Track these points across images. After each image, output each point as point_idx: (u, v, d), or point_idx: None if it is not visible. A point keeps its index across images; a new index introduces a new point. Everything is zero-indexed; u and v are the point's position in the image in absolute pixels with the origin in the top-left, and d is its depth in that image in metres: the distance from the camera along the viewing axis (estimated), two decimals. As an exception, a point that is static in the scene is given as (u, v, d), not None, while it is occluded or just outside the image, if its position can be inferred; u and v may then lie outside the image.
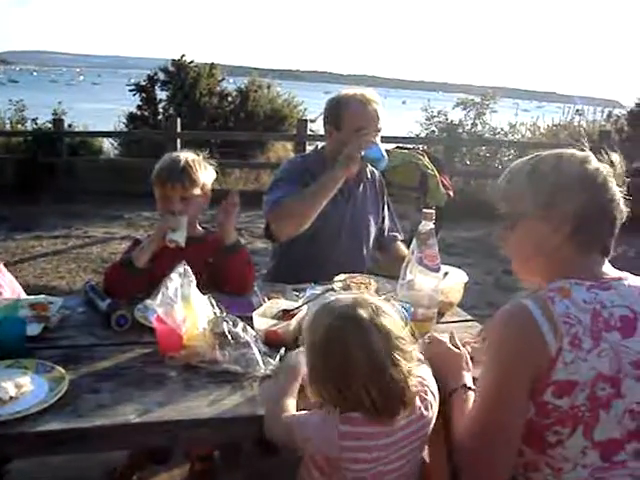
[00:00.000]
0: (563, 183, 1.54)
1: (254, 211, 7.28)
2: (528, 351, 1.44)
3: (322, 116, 2.94)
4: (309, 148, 9.77)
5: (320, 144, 3.10)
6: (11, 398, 1.62)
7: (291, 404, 1.62)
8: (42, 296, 2.38)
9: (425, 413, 1.54)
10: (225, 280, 2.41)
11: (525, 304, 1.47)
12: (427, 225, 2.18)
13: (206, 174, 2.52)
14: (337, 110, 2.80)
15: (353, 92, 2.79)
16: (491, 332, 1.57)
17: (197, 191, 2.47)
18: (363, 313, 1.46)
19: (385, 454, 1.48)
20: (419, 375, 1.55)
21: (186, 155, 2.52)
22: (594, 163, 1.56)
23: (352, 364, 1.43)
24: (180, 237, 2.37)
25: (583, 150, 1.59)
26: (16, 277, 5.76)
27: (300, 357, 1.69)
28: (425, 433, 1.57)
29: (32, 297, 2.31)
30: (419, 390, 1.53)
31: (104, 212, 9.12)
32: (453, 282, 2.41)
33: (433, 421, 1.58)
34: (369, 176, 3.02)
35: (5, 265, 2.88)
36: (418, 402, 1.52)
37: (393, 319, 1.50)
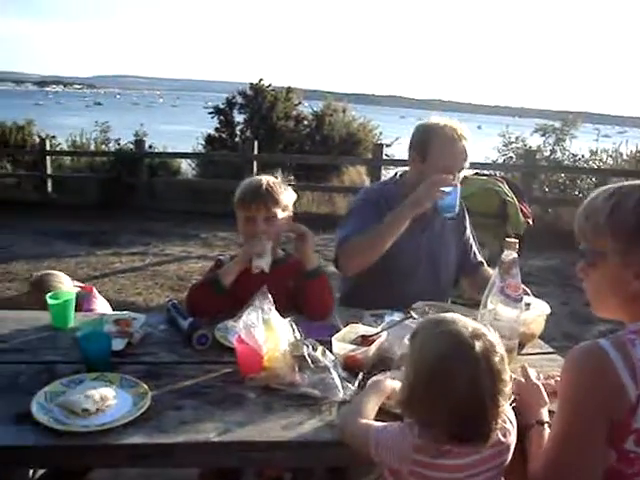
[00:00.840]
0: None
1: (327, 234, 7.31)
2: (603, 395, 1.38)
3: (409, 141, 2.87)
4: (384, 172, 9.77)
5: (399, 170, 3.06)
6: (97, 410, 1.67)
7: (371, 411, 1.62)
8: (126, 312, 2.45)
9: (503, 440, 1.50)
10: (305, 304, 2.42)
11: (602, 345, 1.41)
12: (510, 254, 2.14)
13: (287, 195, 2.55)
14: (425, 140, 2.73)
15: (444, 124, 2.70)
16: (565, 372, 1.49)
17: (280, 212, 2.49)
18: (477, 347, 1.42)
19: (457, 476, 1.45)
20: None
21: (267, 177, 2.57)
22: None
23: (453, 394, 1.40)
24: (265, 264, 2.40)
25: None
26: (98, 292, 6.00)
27: (384, 381, 1.67)
28: (502, 462, 1.52)
29: (116, 313, 2.38)
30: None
31: (181, 231, 9.35)
32: (535, 314, 2.34)
33: (511, 450, 1.54)
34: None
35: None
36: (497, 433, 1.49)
37: (502, 357, 1.45)
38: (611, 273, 1.52)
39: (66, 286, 3.13)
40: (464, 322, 1.48)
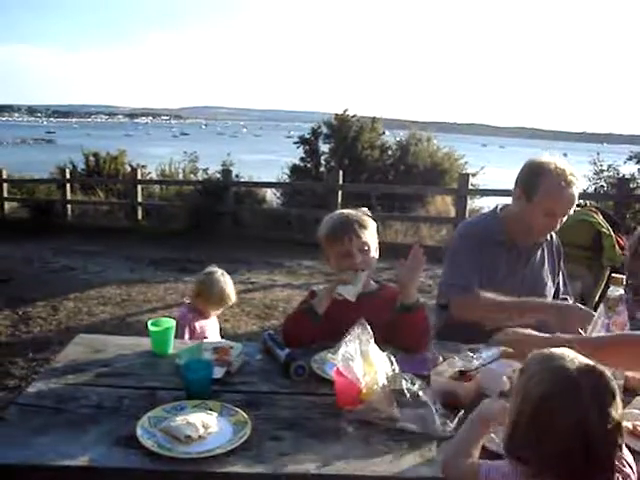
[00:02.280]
0: None
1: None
2: None
3: (516, 176, 2.80)
4: (470, 202, 9.66)
5: (499, 204, 2.97)
6: (199, 437, 1.69)
7: (475, 450, 1.56)
8: (223, 340, 2.49)
9: None
10: (401, 337, 2.36)
11: None
12: (616, 290, 2.07)
13: (371, 223, 2.54)
14: (533, 180, 2.65)
15: (555, 166, 2.61)
16: None
17: (371, 238, 2.49)
18: (586, 386, 1.35)
19: None
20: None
21: (348, 210, 2.58)
22: None
23: (559, 436, 1.34)
24: (348, 292, 2.37)
25: None
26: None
27: (495, 406, 1.62)
28: None
29: (214, 341, 2.42)
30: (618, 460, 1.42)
31: (266, 259, 9.46)
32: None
33: None
34: (548, 238, 2.89)
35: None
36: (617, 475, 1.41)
37: (615, 397, 1.37)
38: None
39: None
40: (573, 357, 1.42)
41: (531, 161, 2.74)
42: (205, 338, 3.33)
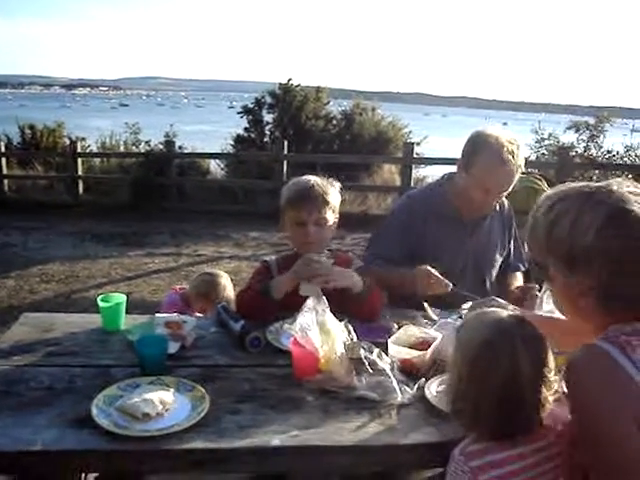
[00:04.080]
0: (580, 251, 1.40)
1: (360, 234, 7.29)
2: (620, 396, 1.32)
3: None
4: (415, 171, 9.74)
5: (446, 174, 2.96)
6: (157, 414, 1.66)
7: None
8: (175, 315, 2.44)
9: (555, 442, 1.49)
10: (358, 315, 2.29)
11: (604, 348, 1.35)
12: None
13: (335, 197, 2.49)
14: (473, 154, 2.65)
15: (495, 141, 2.57)
16: (573, 383, 1.39)
17: (330, 215, 2.44)
18: (521, 332, 1.45)
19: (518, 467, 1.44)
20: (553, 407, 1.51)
21: (315, 179, 2.49)
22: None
23: (496, 379, 1.42)
24: (314, 292, 2.22)
25: None
26: (131, 293, 6.04)
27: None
28: (556, 466, 1.50)
29: (166, 315, 2.37)
30: (551, 419, 1.51)
31: (212, 231, 9.36)
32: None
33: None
34: (497, 207, 2.89)
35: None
36: (547, 431, 1.50)
37: (546, 345, 1.48)
38: (560, 288, 1.51)
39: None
40: (507, 312, 1.52)
41: (474, 133, 2.72)
42: None
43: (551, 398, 1.47)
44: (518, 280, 2.91)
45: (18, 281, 6.76)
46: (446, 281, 2.50)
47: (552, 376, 1.46)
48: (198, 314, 3.18)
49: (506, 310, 1.56)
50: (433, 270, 2.52)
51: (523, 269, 3.05)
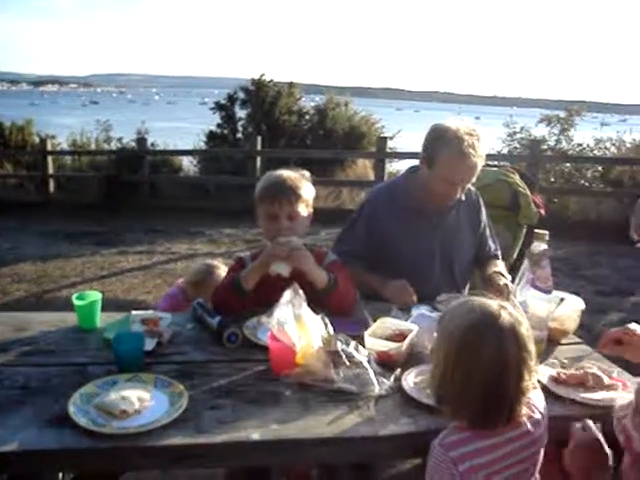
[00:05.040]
0: None
1: (334, 228, 7.29)
2: None
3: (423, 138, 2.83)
4: (388, 165, 9.79)
5: (412, 167, 3.00)
6: (135, 411, 1.65)
7: None
8: (151, 311, 2.43)
9: (532, 430, 1.52)
10: (329, 311, 2.24)
11: None
12: (540, 246, 2.14)
13: (308, 191, 2.49)
14: (434, 147, 2.67)
15: (455, 134, 2.59)
16: None
17: (303, 208, 2.45)
18: (505, 317, 1.47)
19: (496, 468, 1.47)
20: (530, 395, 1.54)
21: (288, 173, 2.50)
22: None
23: (482, 363, 1.44)
24: (284, 270, 2.32)
25: None
26: (105, 291, 5.98)
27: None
28: (533, 453, 1.54)
29: (142, 312, 2.36)
30: (528, 407, 1.54)
31: (186, 228, 9.30)
32: (570, 309, 2.30)
33: (542, 443, 1.56)
34: (463, 198, 2.88)
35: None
36: (525, 419, 1.52)
37: (529, 333, 1.50)
38: None
39: None
40: (490, 300, 1.54)
41: (433, 127, 2.73)
42: None
43: (531, 387, 1.50)
44: (498, 266, 2.93)
45: (-12, 282, 6.67)
46: (414, 298, 2.56)
47: (534, 364, 1.49)
48: None
49: (489, 299, 1.57)
50: (408, 285, 2.59)
51: (499, 255, 3.08)
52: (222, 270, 3.32)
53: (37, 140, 13.99)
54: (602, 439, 1.56)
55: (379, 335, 2.08)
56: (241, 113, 14.08)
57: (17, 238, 8.93)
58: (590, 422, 1.58)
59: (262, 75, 14.11)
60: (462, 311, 1.51)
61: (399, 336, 2.07)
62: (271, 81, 14.03)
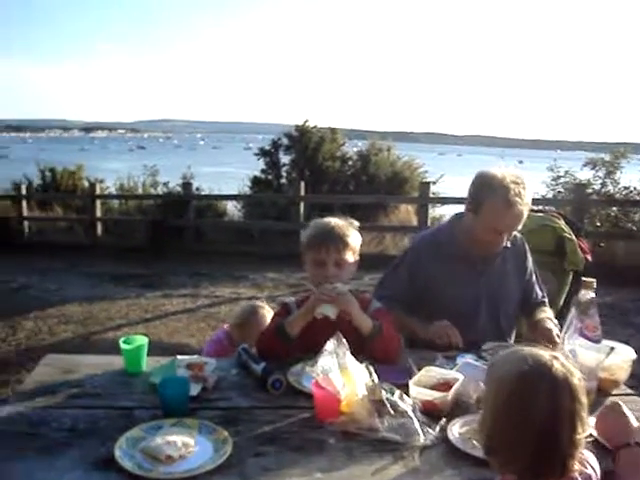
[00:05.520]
0: None
1: (378, 274, 7.25)
2: None
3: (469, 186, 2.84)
4: (431, 210, 9.77)
5: (457, 213, 2.99)
6: (180, 457, 1.66)
7: None
8: (196, 356, 2.46)
9: None
10: (373, 358, 2.27)
11: None
12: (587, 294, 2.11)
13: (355, 238, 2.52)
14: (479, 195, 2.68)
15: (501, 183, 2.59)
16: None
17: (350, 255, 2.47)
18: (558, 368, 1.42)
19: None
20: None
21: (336, 220, 2.53)
22: None
23: (534, 414, 1.39)
24: (331, 312, 2.33)
25: None
26: (149, 334, 6.04)
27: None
28: None
29: (187, 357, 2.38)
30: (580, 462, 1.47)
31: (230, 272, 9.37)
32: (620, 359, 2.24)
33: None
34: (509, 244, 2.86)
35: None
36: (577, 474, 1.45)
37: (582, 384, 1.45)
38: None
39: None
40: (540, 350, 1.48)
41: (479, 175, 2.74)
42: None
43: (584, 440, 1.44)
44: (545, 313, 2.89)
45: (37, 322, 6.79)
46: (459, 338, 2.56)
47: (586, 416, 1.44)
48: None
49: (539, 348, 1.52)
50: (451, 326, 2.59)
51: (546, 302, 3.04)
52: (266, 310, 3.33)
53: (87, 184, 14.39)
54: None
55: (424, 384, 2.06)
56: (285, 159, 14.28)
57: (65, 279, 9.13)
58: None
59: (305, 121, 14.33)
60: (512, 359, 1.47)
61: (444, 385, 2.05)
62: (314, 127, 14.22)
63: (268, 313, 3.29)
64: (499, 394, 1.45)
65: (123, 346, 2.26)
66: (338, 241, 2.44)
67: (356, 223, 2.58)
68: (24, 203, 12.84)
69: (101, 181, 14.44)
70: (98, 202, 12.20)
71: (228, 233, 11.68)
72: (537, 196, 11.01)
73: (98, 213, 12.15)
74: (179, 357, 2.35)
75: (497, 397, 1.45)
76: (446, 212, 11.81)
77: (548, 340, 2.51)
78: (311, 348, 2.07)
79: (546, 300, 3.06)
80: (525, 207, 2.62)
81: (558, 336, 2.52)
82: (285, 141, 14.25)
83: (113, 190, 14.59)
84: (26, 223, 12.75)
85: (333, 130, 14.45)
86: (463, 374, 2.10)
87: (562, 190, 11.81)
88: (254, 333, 3.11)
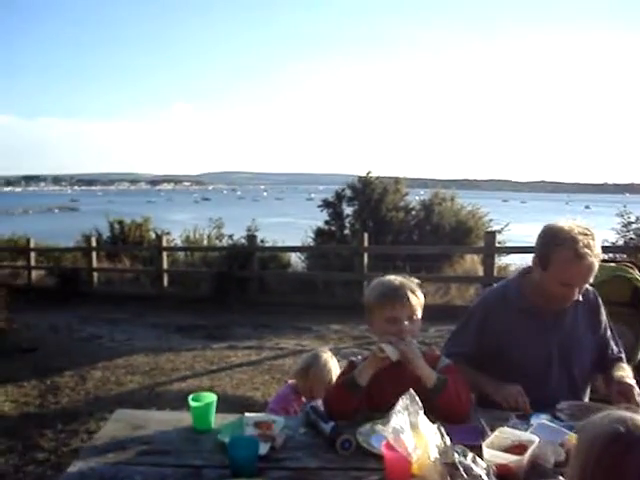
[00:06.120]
0: None
1: (445, 325, 7.16)
2: None
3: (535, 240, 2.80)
4: (497, 260, 9.61)
5: (526, 267, 2.94)
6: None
7: None
8: (264, 414, 2.44)
9: None
10: (441, 417, 2.19)
11: None
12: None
13: (421, 294, 2.52)
14: (548, 250, 2.61)
15: (568, 235, 2.54)
16: None
17: (419, 310, 2.47)
18: None
19: None
20: None
21: (399, 277, 2.55)
22: None
23: (629, 476, 1.31)
24: (392, 353, 2.32)
25: None
26: (214, 386, 6.07)
27: None
28: None
29: (255, 415, 2.36)
30: None
31: (294, 324, 9.40)
32: None
33: None
34: (581, 298, 2.75)
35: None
36: None
37: None
38: None
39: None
40: (632, 413, 1.40)
41: (546, 229, 2.68)
42: None
43: None
44: (623, 370, 2.78)
45: (105, 372, 6.93)
46: (528, 405, 2.46)
47: None
48: (306, 401, 3.14)
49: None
50: (522, 392, 2.50)
51: (623, 357, 2.92)
52: (328, 355, 3.31)
53: (153, 236, 14.75)
54: None
55: (497, 446, 1.99)
56: (348, 210, 14.35)
57: (132, 330, 9.33)
58: None
59: (368, 172, 14.42)
60: (604, 421, 1.40)
61: (519, 447, 1.97)
62: (377, 178, 14.29)
63: (331, 359, 3.29)
64: (588, 457, 1.37)
65: (192, 403, 2.27)
66: (410, 296, 2.45)
67: (416, 280, 2.59)
68: (94, 254, 13.23)
69: (167, 233, 14.78)
70: (164, 254, 12.46)
71: (292, 284, 11.73)
72: (607, 243, 10.71)
73: (164, 265, 12.40)
74: (247, 415, 2.34)
75: (585, 460, 1.38)
76: (512, 261, 11.61)
77: (627, 399, 2.40)
78: (379, 400, 2.04)
79: (623, 356, 2.94)
80: (596, 259, 2.54)
81: (637, 394, 2.41)
82: (348, 192, 14.34)
83: (179, 241, 14.88)
84: (95, 274, 13.13)
85: (396, 180, 14.47)
86: (538, 436, 2.02)
87: (634, 237, 11.46)
88: (318, 379, 3.14)
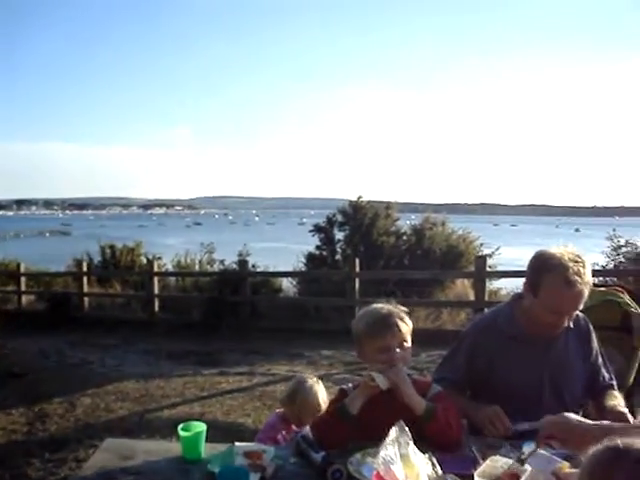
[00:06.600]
0: None
1: (436, 350, 7.15)
2: None
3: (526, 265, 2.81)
4: (488, 284, 9.61)
5: (518, 292, 2.93)
6: None
7: None
8: (254, 444, 2.41)
9: None
10: (432, 444, 2.20)
11: None
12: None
13: (409, 321, 2.51)
14: (538, 276, 2.61)
15: (560, 262, 2.53)
16: None
17: (409, 337, 2.46)
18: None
19: None
20: None
21: (387, 306, 2.53)
22: None
23: None
24: (382, 382, 2.31)
25: None
26: (204, 413, 6.02)
27: None
28: None
29: (245, 444, 2.34)
30: None
31: (285, 350, 9.34)
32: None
33: None
34: (572, 325, 2.74)
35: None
36: None
37: None
38: None
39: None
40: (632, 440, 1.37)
41: (537, 255, 2.68)
42: None
43: None
44: (615, 398, 2.77)
45: (94, 399, 6.85)
46: (509, 424, 2.44)
47: None
48: (296, 429, 3.12)
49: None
50: (501, 412, 2.48)
51: (614, 385, 2.92)
52: (314, 381, 3.30)
53: (145, 261, 14.72)
54: None
55: (489, 475, 1.97)
56: (339, 235, 14.37)
57: (122, 356, 9.28)
58: None
59: (359, 197, 14.47)
60: (618, 459, 1.33)
61: (512, 477, 1.96)
62: (368, 202, 14.34)
63: (317, 383, 3.28)
64: (585, 467, 1.36)
65: (181, 433, 2.25)
66: (400, 324, 2.44)
67: (404, 308, 2.58)
68: (85, 279, 13.19)
69: (159, 257, 14.75)
70: (156, 279, 12.42)
71: (283, 309, 11.68)
72: (597, 267, 10.73)
73: (156, 290, 12.36)
74: (237, 444, 2.32)
75: (582, 471, 1.36)
76: (503, 285, 11.63)
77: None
78: (371, 428, 2.03)
79: (614, 383, 2.93)
80: (586, 286, 2.54)
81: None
82: (339, 217, 14.37)
83: (170, 266, 14.84)
84: (86, 299, 13.07)
85: (387, 205, 14.52)
86: (531, 464, 2.01)
87: (623, 260, 11.50)
88: (306, 405, 3.14)
